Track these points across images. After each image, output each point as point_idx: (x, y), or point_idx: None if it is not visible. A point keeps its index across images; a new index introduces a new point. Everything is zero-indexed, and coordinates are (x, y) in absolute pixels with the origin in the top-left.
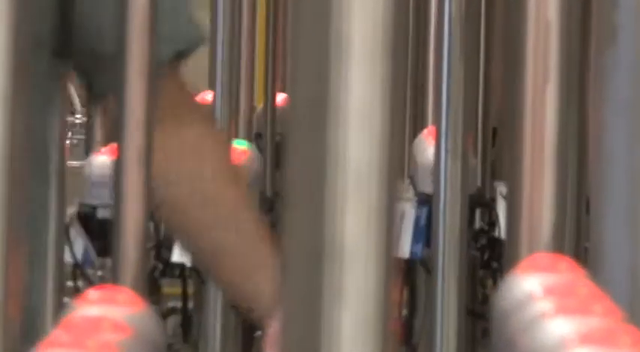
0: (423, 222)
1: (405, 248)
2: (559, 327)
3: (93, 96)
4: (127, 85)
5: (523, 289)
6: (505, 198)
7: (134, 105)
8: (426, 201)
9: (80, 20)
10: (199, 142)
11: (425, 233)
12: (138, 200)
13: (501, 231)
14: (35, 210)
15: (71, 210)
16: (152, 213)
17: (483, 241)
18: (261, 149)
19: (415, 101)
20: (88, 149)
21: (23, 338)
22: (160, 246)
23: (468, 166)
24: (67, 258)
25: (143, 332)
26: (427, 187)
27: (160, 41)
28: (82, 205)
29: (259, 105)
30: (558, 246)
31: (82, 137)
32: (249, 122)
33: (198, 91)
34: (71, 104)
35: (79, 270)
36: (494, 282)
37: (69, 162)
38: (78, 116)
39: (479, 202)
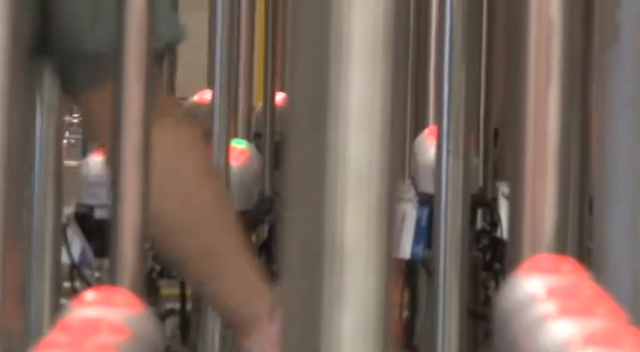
0: (424, 222)
1: (406, 249)
2: (562, 329)
3: (68, 95)
4: (124, 84)
5: (525, 290)
6: (507, 198)
7: (131, 105)
8: (427, 202)
9: (61, 22)
10: (177, 141)
11: (426, 233)
12: (135, 200)
13: (503, 231)
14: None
15: (68, 211)
16: None
17: (485, 242)
18: (260, 148)
19: (416, 100)
20: (85, 149)
21: (20, 340)
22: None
23: (469, 166)
24: (65, 258)
25: (141, 334)
26: (428, 187)
27: None
28: (79, 205)
29: (258, 105)
30: (561, 246)
31: (80, 137)
32: (249, 121)
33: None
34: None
35: (76, 271)
36: (497, 283)
37: (66, 161)
38: (75, 115)
39: (481, 202)
